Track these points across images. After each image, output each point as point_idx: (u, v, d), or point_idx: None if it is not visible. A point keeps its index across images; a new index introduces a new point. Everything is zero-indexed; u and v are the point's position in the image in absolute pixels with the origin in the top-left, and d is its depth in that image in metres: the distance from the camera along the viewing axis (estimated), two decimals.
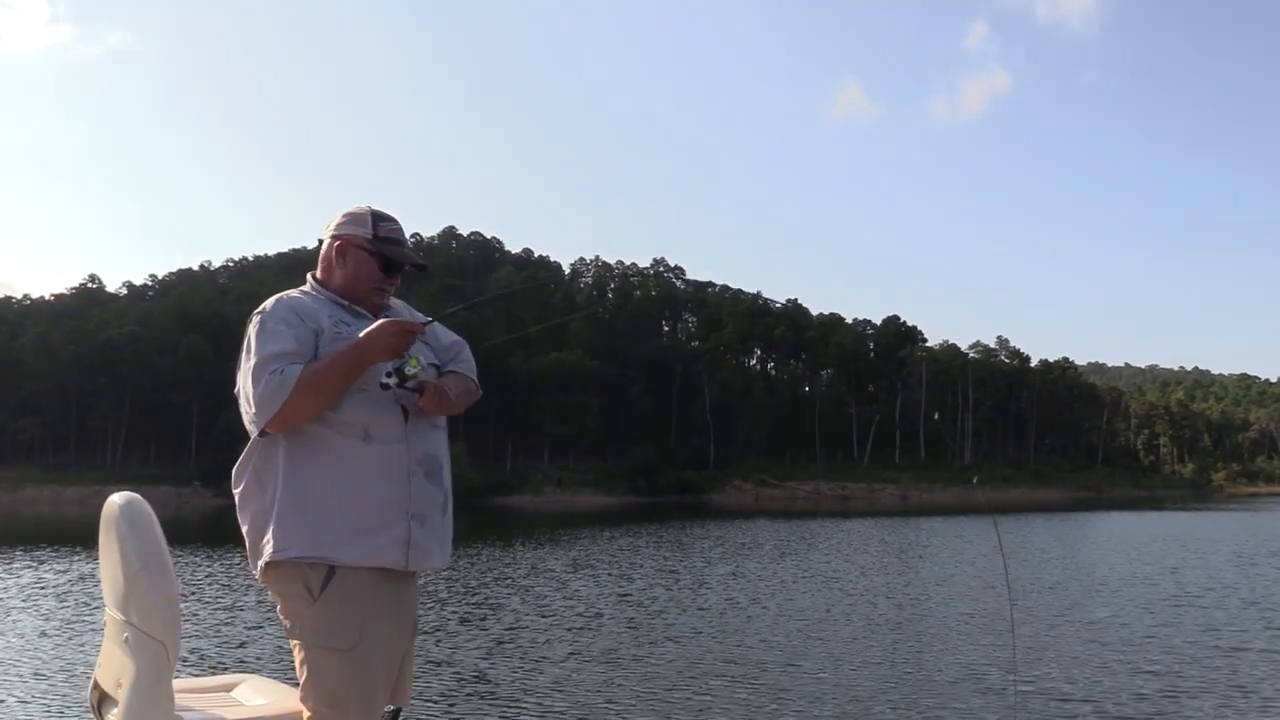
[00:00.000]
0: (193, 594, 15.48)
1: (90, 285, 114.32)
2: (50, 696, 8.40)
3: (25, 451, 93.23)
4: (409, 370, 2.55)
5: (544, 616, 13.39)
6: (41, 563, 21.20)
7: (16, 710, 7.93)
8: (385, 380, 2.55)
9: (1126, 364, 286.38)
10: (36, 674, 9.41)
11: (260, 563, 2.56)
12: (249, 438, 2.63)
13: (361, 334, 2.55)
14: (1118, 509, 61.04)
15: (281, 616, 2.60)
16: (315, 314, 2.64)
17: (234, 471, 2.66)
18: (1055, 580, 17.97)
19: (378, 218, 2.76)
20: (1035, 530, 35.96)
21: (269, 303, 2.66)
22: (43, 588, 16.75)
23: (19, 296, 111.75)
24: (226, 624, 12.60)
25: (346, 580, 2.51)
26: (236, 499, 2.65)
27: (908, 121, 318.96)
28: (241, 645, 11.07)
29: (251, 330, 2.60)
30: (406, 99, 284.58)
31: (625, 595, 15.82)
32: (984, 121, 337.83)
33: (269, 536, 2.53)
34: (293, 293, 2.74)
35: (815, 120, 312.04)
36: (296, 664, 2.57)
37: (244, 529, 2.62)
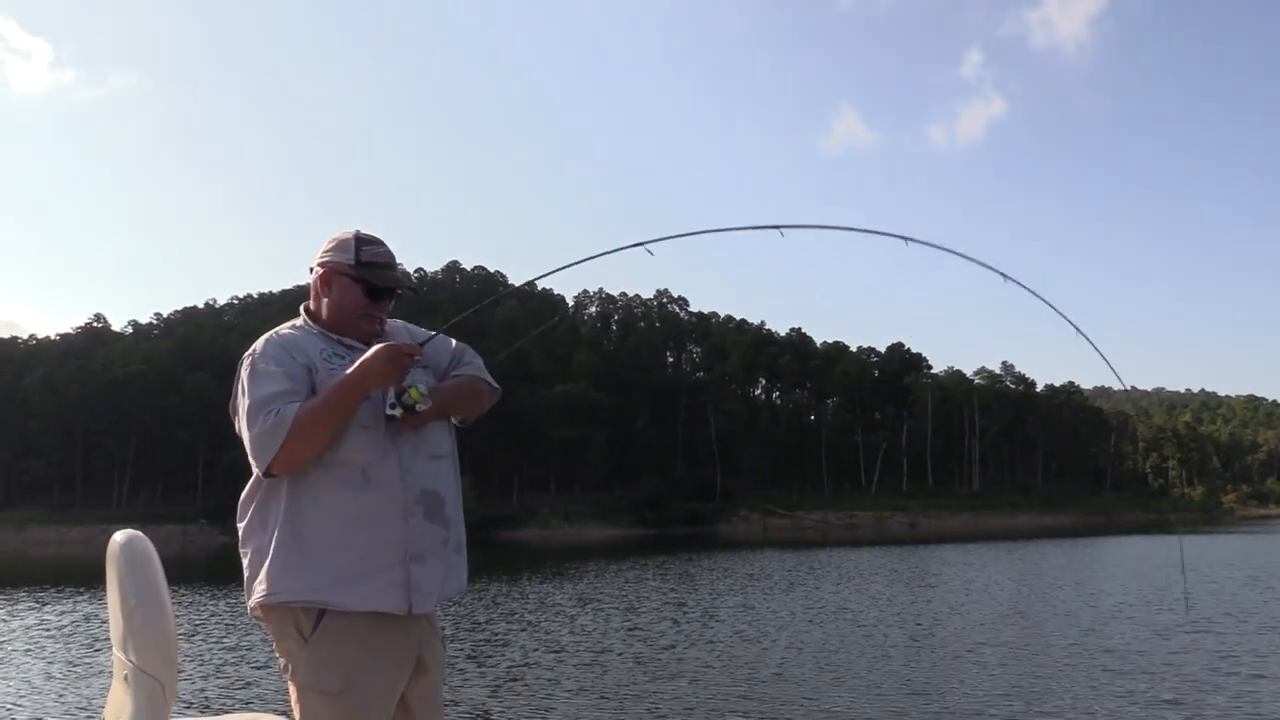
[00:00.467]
0: (196, 634, 15.34)
1: (95, 324, 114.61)
2: None
3: (31, 492, 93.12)
4: (408, 401, 2.49)
5: (552, 652, 13.24)
6: (45, 604, 21.07)
7: None
8: (390, 412, 2.50)
9: (1133, 387, 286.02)
10: (40, 717, 9.29)
11: (251, 603, 2.53)
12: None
13: (358, 363, 2.49)
14: (1128, 533, 60.62)
15: (277, 655, 2.57)
16: (305, 349, 2.58)
17: (239, 504, 2.60)
18: (1068, 607, 17.79)
19: (361, 241, 2.68)
20: (1046, 557, 35.69)
21: (259, 343, 2.60)
22: (46, 629, 16.63)
23: (25, 336, 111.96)
24: (232, 663, 12.47)
25: (337, 623, 2.45)
26: (240, 533, 2.59)
27: (906, 149, 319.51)
28: (248, 685, 10.94)
29: (243, 373, 2.55)
30: (411, 134, 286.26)
31: (633, 629, 15.66)
32: (982, 148, 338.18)
33: (262, 577, 2.48)
34: (283, 329, 2.67)
35: (813, 149, 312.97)
36: (292, 704, 2.53)
37: (244, 564, 2.57)
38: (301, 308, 2.76)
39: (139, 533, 2.63)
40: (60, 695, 10.51)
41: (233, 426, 2.60)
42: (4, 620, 18.27)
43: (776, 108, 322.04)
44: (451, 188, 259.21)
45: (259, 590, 2.49)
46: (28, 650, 14.15)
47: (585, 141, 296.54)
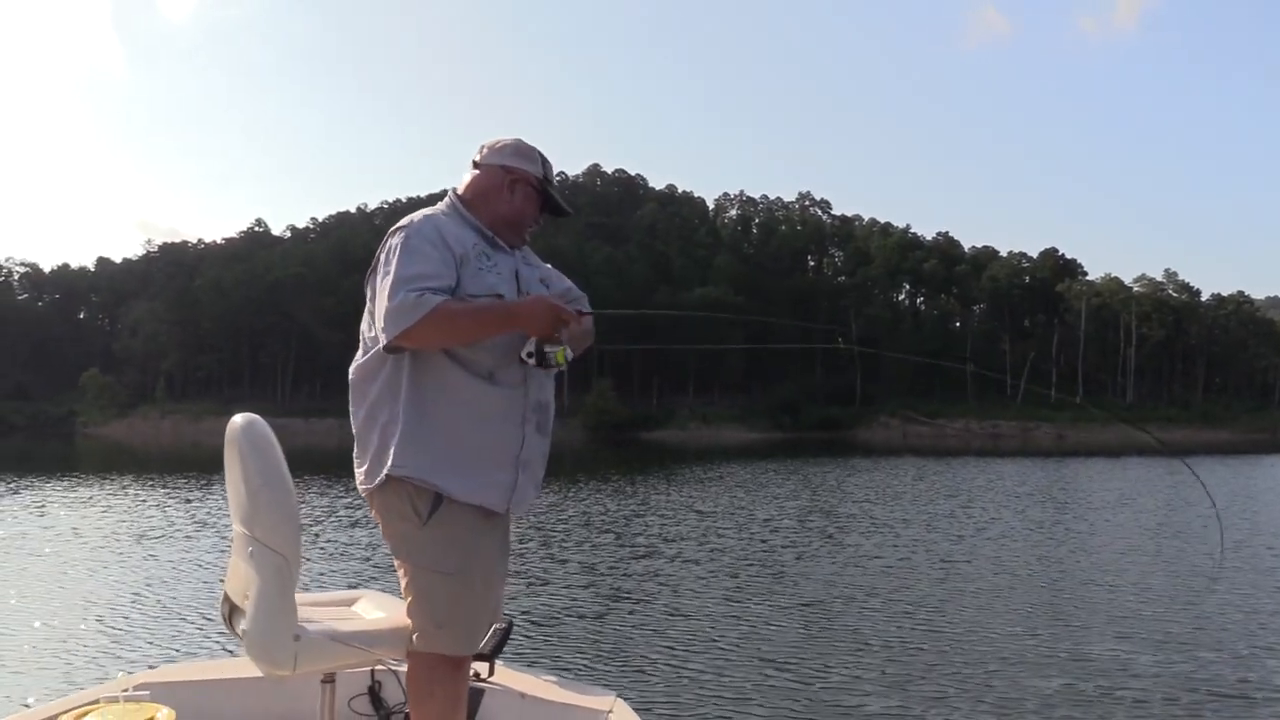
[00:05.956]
0: (324, 517, 16.12)
1: (257, 229, 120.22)
2: (192, 608, 8.84)
3: (204, 387, 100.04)
4: (552, 360, 2.57)
5: (681, 555, 13.33)
6: (201, 485, 22.57)
7: (160, 621, 8.37)
8: (524, 358, 2.57)
9: None
10: (173, 590, 9.93)
11: (380, 476, 2.56)
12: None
13: (517, 303, 2.59)
14: None
15: (387, 536, 2.66)
16: (460, 239, 2.62)
17: (358, 373, 2.62)
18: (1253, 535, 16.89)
19: (544, 159, 2.81)
20: (1213, 474, 33.97)
21: (416, 218, 2.63)
22: (181, 509, 17.78)
23: (194, 240, 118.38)
24: (351, 545, 13.04)
25: (453, 509, 2.55)
26: (367, 403, 2.60)
27: (1053, 42, 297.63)
28: (366, 562, 11.44)
29: (395, 241, 2.57)
30: (555, 36, 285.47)
31: (763, 532, 15.64)
32: (1138, 37, 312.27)
33: (391, 451, 2.53)
34: (440, 213, 2.69)
35: (953, 46, 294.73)
36: (403, 583, 2.64)
37: (367, 436, 2.61)
38: (453, 195, 2.76)
39: (257, 416, 2.73)
40: (202, 567, 11.23)
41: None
42: (170, 499, 19.68)
43: (911, 5, 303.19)
44: (594, 89, 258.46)
45: (387, 462, 2.53)
46: (169, 530, 15.16)
47: (719, 42, 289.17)
